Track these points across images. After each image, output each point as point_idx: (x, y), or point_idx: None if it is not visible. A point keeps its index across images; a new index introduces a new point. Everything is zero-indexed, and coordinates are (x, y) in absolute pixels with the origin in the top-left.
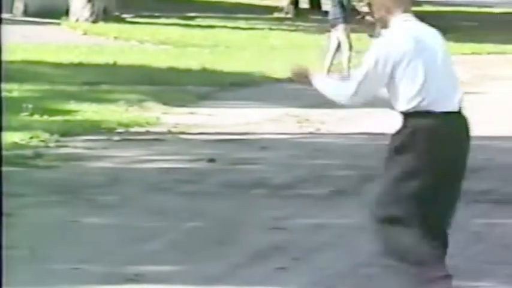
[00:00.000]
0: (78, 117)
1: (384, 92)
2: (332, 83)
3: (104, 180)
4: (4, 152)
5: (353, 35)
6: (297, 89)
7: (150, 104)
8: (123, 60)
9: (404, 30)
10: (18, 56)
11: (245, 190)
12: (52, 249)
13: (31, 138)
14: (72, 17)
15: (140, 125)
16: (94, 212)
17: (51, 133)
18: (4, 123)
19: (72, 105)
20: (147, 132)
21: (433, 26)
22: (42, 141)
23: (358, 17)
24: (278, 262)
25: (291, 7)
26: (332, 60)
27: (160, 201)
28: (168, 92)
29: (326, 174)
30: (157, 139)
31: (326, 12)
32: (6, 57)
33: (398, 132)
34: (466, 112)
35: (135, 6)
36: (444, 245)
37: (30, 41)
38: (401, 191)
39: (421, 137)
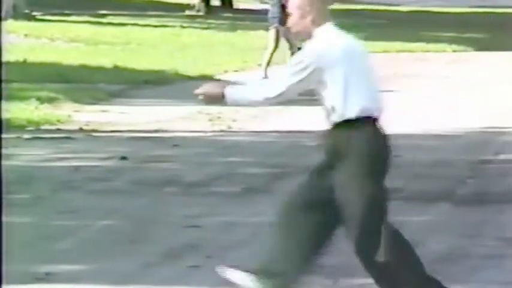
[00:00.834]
0: None
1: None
2: (250, 87)
3: (14, 179)
4: None
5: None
6: None
7: (62, 102)
8: (33, 57)
9: (331, 39)
10: None
11: (157, 188)
12: None
13: None
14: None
15: (51, 123)
16: (4, 211)
17: None
18: None
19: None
20: (58, 130)
21: (344, 24)
22: None
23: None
24: (191, 260)
25: (202, 5)
26: (270, 59)
27: (72, 199)
28: (79, 90)
29: (238, 172)
30: (68, 137)
31: (265, 11)
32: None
33: (350, 140)
34: None
35: (46, 3)
36: None
37: None
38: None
39: (374, 142)
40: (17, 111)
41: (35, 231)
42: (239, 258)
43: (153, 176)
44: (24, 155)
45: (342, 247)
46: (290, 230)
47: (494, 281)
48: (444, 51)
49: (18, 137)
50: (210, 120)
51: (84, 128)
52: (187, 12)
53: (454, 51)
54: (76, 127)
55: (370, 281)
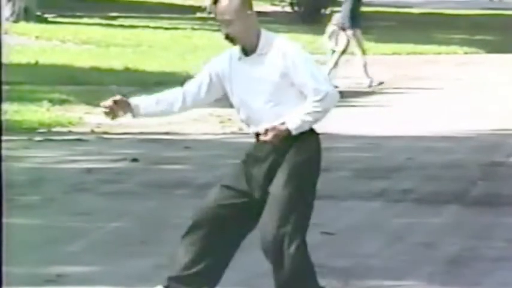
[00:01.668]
0: None
1: None
2: (304, 109)
3: (26, 181)
4: None
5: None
6: None
7: (73, 104)
8: (45, 59)
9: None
10: None
11: (168, 190)
12: None
13: None
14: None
15: (62, 125)
16: (15, 213)
17: None
18: None
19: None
20: (70, 132)
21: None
22: None
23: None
24: None
25: (214, 7)
26: (337, 61)
27: (83, 201)
28: (90, 92)
29: None
30: (79, 139)
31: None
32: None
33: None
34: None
35: (57, 5)
36: None
37: None
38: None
39: (317, 149)
40: (28, 113)
41: (46, 233)
42: (248, 260)
43: (164, 178)
44: (35, 157)
45: (353, 250)
46: (202, 240)
47: (506, 283)
48: (455, 53)
49: (29, 139)
50: (221, 122)
51: (96, 130)
52: (199, 14)
53: (466, 53)
54: (87, 129)
55: (380, 283)
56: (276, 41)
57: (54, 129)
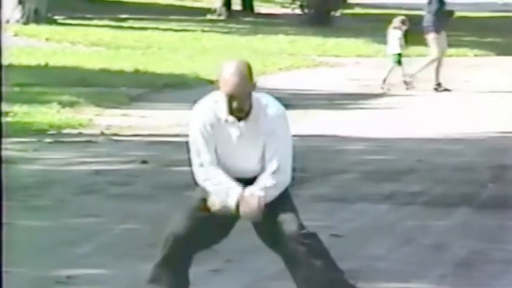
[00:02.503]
0: (9, 118)
1: None
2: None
3: (36, 182)
4: None
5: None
6: None
7: (83, 106)
8: (55, 61)
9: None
10: None
11: (178, 192)
12: None
13: None
14: (3, 18)
15: (72, 127)
16: (26, 215)
17: None
18: None
19: (2, 107)
20: (80, 134)
21: (364, 28)
22: None
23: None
24: (211, 264)
25: (224, 9)
26: (438, 67)
27: (92, 203)
28: (100, 94)
29: None
30: (89, 141)
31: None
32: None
33: None
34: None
35: (67, 7)
36: None
37: None
38: None
39: None
40: (38, 115)
41: (56, 235)
42: (259, 262)
43: (173, 180)
44: (45, 159)
45: (362, 252)
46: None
47: None
48: (465, 55)
49: (39, 141)
50: None
51: (105, 131)
52: (209, 17)
53: (476, 55)
54: (97, 131)
55: (389, 285)
56: (268, 110)
57: (64, 131)
